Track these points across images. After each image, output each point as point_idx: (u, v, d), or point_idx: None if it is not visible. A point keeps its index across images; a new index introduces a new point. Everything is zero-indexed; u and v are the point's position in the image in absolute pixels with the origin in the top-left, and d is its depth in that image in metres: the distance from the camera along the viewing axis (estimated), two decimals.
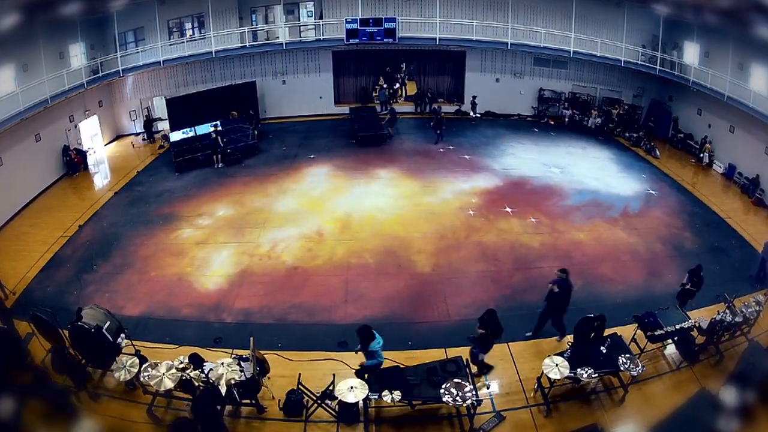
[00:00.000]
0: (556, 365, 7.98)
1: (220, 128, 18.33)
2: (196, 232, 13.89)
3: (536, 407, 8.39)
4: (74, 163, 17.75)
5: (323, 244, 13.15)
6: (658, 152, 19.10)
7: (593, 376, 8.05)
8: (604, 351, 8.42)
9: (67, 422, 6.82)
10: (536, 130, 21.46)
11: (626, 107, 21.74)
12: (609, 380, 8.77)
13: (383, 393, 7.64)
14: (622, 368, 8.08)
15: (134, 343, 9.07)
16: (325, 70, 22.89)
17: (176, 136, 18.34)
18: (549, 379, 8.08)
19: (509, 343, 9.71)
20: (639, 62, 19.92)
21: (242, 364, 8.01)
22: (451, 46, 21.83)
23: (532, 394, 8.61)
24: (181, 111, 19.71)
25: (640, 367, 8.09)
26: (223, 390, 7.66)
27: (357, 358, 9.38)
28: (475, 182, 16.52)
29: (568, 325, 9.54)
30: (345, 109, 23.26)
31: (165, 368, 7.88)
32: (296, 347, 9.70)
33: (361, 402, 7.67)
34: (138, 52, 19.55)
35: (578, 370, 8.01)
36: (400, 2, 21.14)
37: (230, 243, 13.30)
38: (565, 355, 8.29)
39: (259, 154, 19.19)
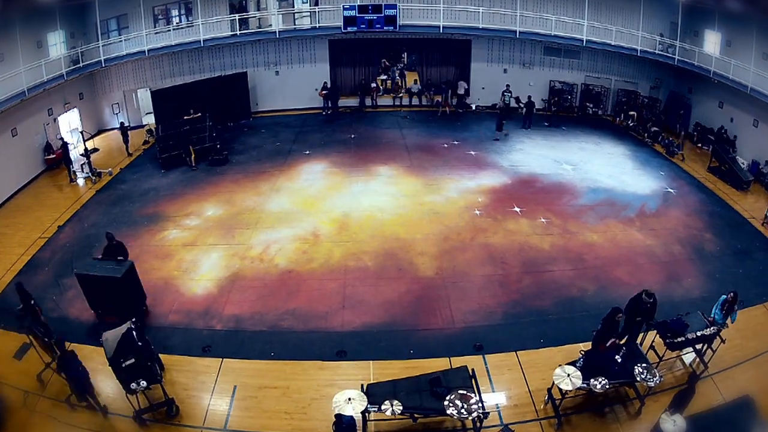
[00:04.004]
0: (568, 375, 7.98)
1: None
2: (183, 233, 13.89)
3: (546, 420, 8.38)
4: (55, 159, 17.78)
5: (319, 246, 13.15)
6: (676, 148, 19.09)
7: (607, 386, 8.05)
8: (619, 360, 8.42)
9: None
10: (546, 124, 21.47)
11: (646, 100, 21.76)
12: (624, 391, 8.77)
13: (383, 405, 7.64)
14: (638, 378, 8.08)
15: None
16: (321, 60, 22.90)
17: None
18: (560, 390, 8.08)
19: (518, 352, 9.72)
20: (656, 51, 19.93)
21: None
22: (456, 35, 21.83)
23: (542, 406, 8.61)
24: (167, 103, 19.74)
25: (657, 377, 8.08)
26: None
27: (354, 366, 9.41)
28: (482, 180, 16.53)
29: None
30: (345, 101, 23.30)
31: None
32: (290, 356, 9.70)
33: (359, 415, 7.66)
34: (121, 41, 19.55)
35: (591, 380, 8.01)
36: None
37: (220, 245, 13.30)
38: (577, 364, 8.30)
39: (251, 150, 19.22)
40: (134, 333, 8.51)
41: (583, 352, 8.69)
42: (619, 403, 8.65)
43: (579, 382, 7.92)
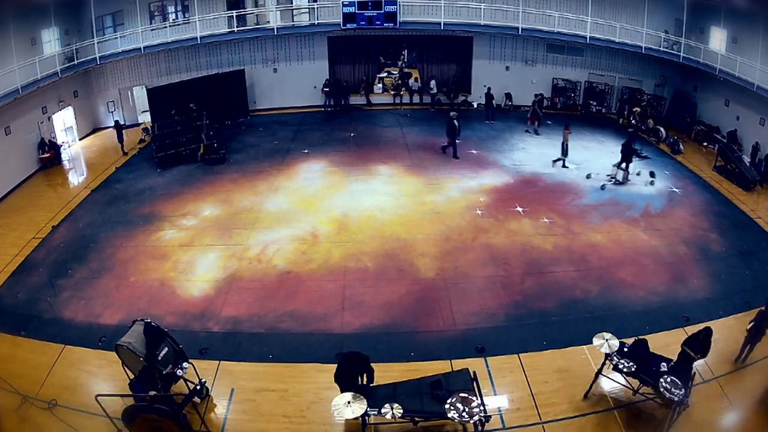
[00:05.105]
0: (606, 340, 8.31)
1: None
2: (179, 233, 13.89)
3: (549, 424, 8.38)
4: (48, 158, 17.80)
5: (318, 247, 13.15)
6: (681, 146, 19.10)
7: (632, 369, 8.12)
8: (664, 368, 8.22)
9: None
10: (549, 122, 21.47)
11: (648, 97, 21.76)
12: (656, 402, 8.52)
13: (383, 408, 7.63)
14: (660, 387, 7.84)
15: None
16: (320, 58, 22.92)
17: None
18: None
19: (520, 355, 9.71)
20: (661, 49, 19.93)
21: None
22: (457, 32, 21.85)
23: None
24: (163, 102, 19.74)
25: (681, 396, 7.66)
26: None
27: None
28: (483, 179, 16.53)
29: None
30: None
31: None
32: (289, 358, 9.70)
33: (359, 418, 7.66)
34: (117, 38, 19.57)
35: (624, 360, 8.20)
36: None
37: (217, 245, 13.29)
38: (624, 349, 8.48)
39: (249, 149, 19.24)
40: (152, 323, 8.48)
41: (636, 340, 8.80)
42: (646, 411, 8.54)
43: (616, 345, 8.23)
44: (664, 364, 8.38)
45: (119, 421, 7.91)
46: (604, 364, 8.51)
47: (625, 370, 8.16)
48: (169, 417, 7.63)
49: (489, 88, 21.61)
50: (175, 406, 7.87)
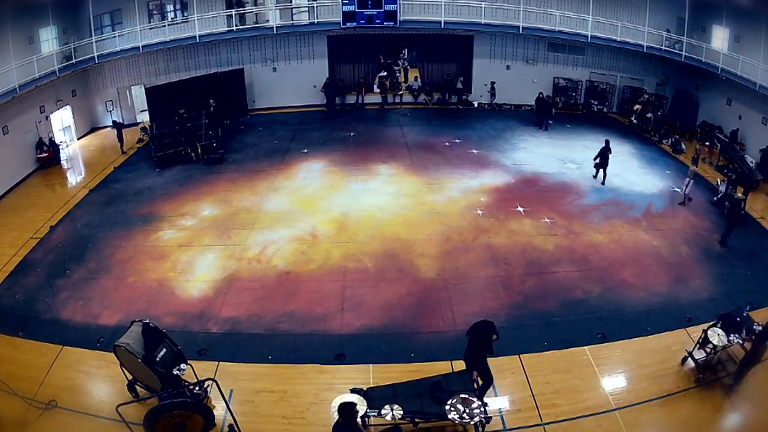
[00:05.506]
0: (718, 335, 8.98)
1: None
2: (178, 233, 13.89)
3: (550, 425, 8.39)
4: (45, 158, 17.81)
5: (318, 247, 13.16)
6: (683, 146, 19.10)
7: (742, 338, 8.97)
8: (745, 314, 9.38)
9: None
10: (551, 122, 21.47)
11: (646, 96, 21.75)
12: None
13: (383, 410, 7.64)
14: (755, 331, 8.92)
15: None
16: (319, 57, 22.93)
17: None
18: (709, 347, 8.98)
19: (521, 355, 9.71)
20: (663, 48, 19.93)
21: None
22: (458, 31, 21.85)
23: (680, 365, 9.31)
24: (162, 101, 19.73)
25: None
26: None
27: (354, 370, 9.41)
28: (484, 179, 16.54)
29: None
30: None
31: None
32: (288, 360, 9.70)
33: (359, 420, 7.66)
34: (115, 37, 19.59)
35: (730, 336, 9.01)
36: None
37: (216, 245, 13.30)
38: (718, 325, 9.19)
39: (248, 149, 19.25)
40: (150, 324, 8.47)
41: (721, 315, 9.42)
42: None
43: (725, 340, 8.95)
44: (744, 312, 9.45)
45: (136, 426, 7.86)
46: (715, 352, 9.08)
47: (743, 341, 8.97)
48: (194, 408, 7.61)
49: (541, 93, 21.19)
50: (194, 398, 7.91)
